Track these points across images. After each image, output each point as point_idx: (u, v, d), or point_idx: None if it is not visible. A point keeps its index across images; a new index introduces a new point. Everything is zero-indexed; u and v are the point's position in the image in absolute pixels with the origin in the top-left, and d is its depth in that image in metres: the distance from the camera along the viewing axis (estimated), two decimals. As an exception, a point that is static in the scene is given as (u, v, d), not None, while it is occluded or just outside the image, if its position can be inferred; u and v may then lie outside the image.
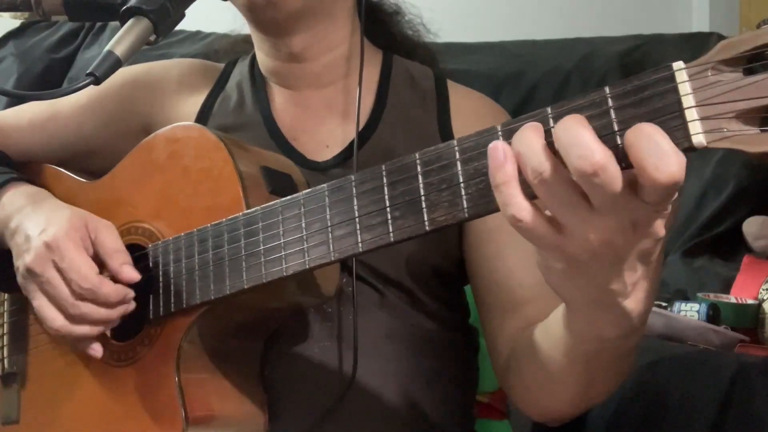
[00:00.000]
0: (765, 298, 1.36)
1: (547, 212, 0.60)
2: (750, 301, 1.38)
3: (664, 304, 1.43)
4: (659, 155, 0.52)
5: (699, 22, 2.42)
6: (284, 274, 0.80)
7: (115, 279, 0.93)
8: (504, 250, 1.01)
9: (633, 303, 0.64)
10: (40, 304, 0.94)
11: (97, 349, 0.95)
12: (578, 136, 0.55)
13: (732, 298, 1.40)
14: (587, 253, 0.60)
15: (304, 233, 0.79)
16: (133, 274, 0.93)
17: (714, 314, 1.34)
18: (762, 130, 0.50)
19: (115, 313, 0.93)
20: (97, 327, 0.93)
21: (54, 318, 0.93)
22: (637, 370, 1.16)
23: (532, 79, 1.87)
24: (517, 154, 0.59)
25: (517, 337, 0.94)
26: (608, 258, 0.60)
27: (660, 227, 0.59)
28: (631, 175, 0.55)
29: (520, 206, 0.59)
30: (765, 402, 1.07)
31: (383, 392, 0.99)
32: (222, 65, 1.23)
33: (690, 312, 1.34)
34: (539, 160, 0.57)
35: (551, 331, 0.79)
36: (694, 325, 1.30)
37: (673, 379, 1.16)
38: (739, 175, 1.64)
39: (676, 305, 1.37)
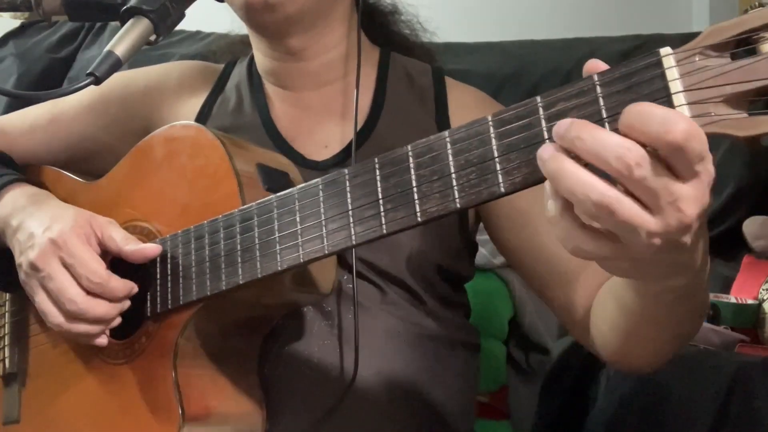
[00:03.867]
0: (765, 298, 1.35)
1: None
2: (750, 301, 1.37)
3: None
4: (660, 121, 0.52)
5: (699, 22, 2.41)
6: (279, 268, 0.81)
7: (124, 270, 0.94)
8: (541, 226, 1.00)
9: (694, 257, 0.64)
10: (41, 300, 0.94)
11: (101, 340, 0.95)
12: (604, 140, 0.54)
13: (732, 298, 1.40)
14: (649, 251, 0.59)
15: (299, 227, 0.79)
16: (152, 247, 0.93)
17: (714, 314, 1.33)
18: (750, 114, 0.50)
19: (114, 310, 0.93)
20: (96, 326, 0.93)
21: (54, 314, 0.93)
22: (638, 370, 1.15)
23: (532, 79, 1.87)
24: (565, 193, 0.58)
25: (588, 305, 0.92)
26: (671, 246, 0.60)
27: (705, 195, 0.57)
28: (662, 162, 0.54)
29: (580, 239, 0.60)
30: (765, 402, 1.07)
31: (383, 391, 0.99)
32: (221, 66, 1.24)
33: (690, 312, 1.33)
34: (593, 188, 0.56)
35: (620, 299, 0.78)
36: (694, 324, 1.29)
37: (673, 379, 1.16)
38: (739, 175, 1.63)
39: (677, 305, 1.36)
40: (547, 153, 0.58)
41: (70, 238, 0.93)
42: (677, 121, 0.52)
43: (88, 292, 0.92)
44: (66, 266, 0.93)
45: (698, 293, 0.76)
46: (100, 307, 0.92)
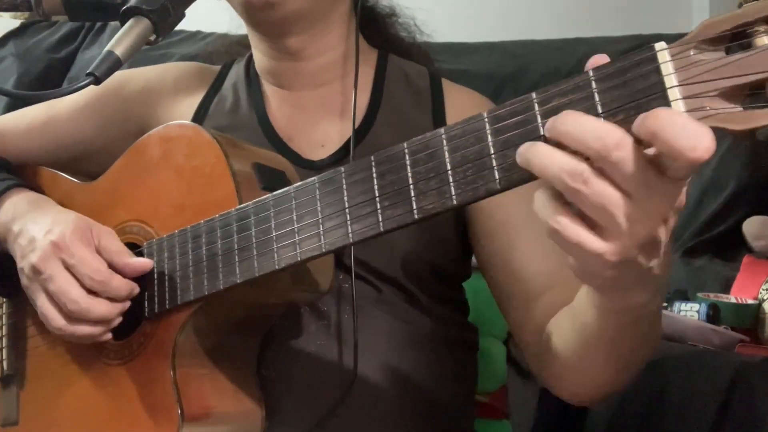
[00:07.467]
0: (765, 298, 1.35)
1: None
2: (750, 301, 1.37)
3: (664, 304, 1.42)
4: (691, 136, 0.51)
5: (699, 22, 2.41)
6: (276, 267, 0.80)
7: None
8: (516, 241, 1.01)
9: (662, 269, 0.64)
10: (42, 302, 0.94)
11: (105, 337, 0.95)
12: (584, 122, 0.55)
13: (732, 298, 1.40)
14: (635, 248, 0.59)
15: (296, 226, 0.79)
16: (144, 262, 0.93)
17: (714, 314, 1.33)
18: (745, 108, 0.50)
19: (116, 310, 0.93)
20: (98, 326, 0.93)
21: (55, 317, 0.93)
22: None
23: (532, 79, 1.87)
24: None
25: (543, 326, 0.93)
26: (654, 245, 0.60)
27: (684, 196, 0.59)
28: (653, 159, 0.55)
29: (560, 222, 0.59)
30: (765, 402, 1.06)
31: (381, 391, 0.99)
32: (218, 67, 1.24)
33: (690, 312, 1.34)
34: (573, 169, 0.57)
35: (578, 316, 0.78)
36: (694, 325, 1.29)
37: (673, 379, 1.16)
38: (739, 175, 1.63)
39: (676, 305, 1.36)
40: (523, 147, 0.59)
41: (72, 240, 0.93)
42: (705, 136, 0.51)
43: (90, 291, 0.91)
44: (67, 267, 0.92)
45: (653, 319, 0.76)
46: (102, 306, 0.92)
